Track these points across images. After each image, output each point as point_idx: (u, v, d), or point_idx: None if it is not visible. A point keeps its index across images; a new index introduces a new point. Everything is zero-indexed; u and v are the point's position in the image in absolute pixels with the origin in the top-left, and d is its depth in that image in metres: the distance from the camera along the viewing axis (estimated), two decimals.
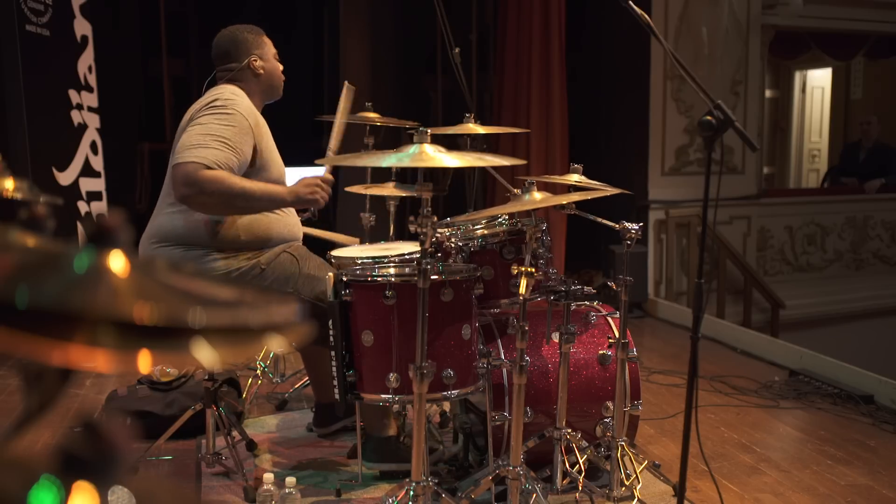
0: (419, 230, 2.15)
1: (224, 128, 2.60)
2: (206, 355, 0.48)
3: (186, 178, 2.51)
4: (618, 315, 2.69)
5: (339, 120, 2.95)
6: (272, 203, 2.69)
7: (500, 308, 2.68)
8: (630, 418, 2.72)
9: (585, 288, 2.54)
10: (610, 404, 2.68)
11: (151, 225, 2.78)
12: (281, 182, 2.80)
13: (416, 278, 2.16)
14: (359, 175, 4.03)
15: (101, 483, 0.43)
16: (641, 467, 2.61)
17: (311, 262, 2.79)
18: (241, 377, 3.52)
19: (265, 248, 2.75)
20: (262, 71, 2.87)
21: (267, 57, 2.90)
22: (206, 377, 2.74)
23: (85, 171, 4.59)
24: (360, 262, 2.78)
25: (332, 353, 2.45)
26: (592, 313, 2.81)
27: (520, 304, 2.29)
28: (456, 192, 3.93)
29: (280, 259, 2.75)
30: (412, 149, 2.14)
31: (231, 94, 2.72)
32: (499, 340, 2.67)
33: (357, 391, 2.45)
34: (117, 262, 0.52)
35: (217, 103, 2.66)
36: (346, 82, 3.07)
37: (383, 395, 2.42)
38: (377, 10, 6.06)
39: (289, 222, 2.85)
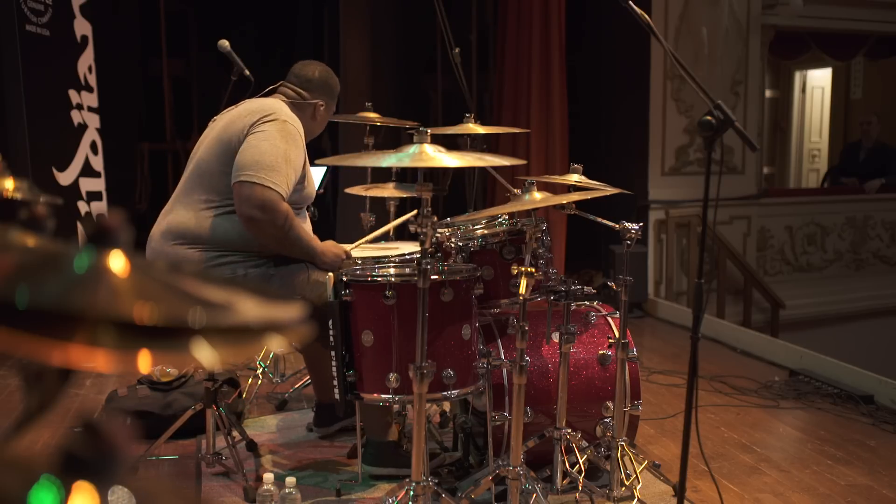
0: (419, 230, 2.15)
1: (290, 148, 2.66)
2: (206, 355, 0.48)
3: (265, 204, 2.57)
4: (618, 315, 2.69)
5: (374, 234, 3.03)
6: (306, 256, 2.75)
7: (500, 308, 2.68)
8: (630, 418, 2.72)
9: (585, 288, 2.54)
10: (610, 404, 2.68)
11: (168, 220, 2.76)
12: (310, 197, 2.87)
13: (416, 278, 2.16)
14: (359, 175, 4.03)
15: (101, 483, 0.43)
16: (641, 467, 2.61)
17: (319, 268, 2.80)
18: (241, 377, 3.52)
19: (278, 253, 2.76)
20: (317, 118, 2.96)
21: (328, 111, 2.99)
22: (206, 377, 2.74)
23: (85, 171, 4.59)
24: (360, 262, 2.78)
25: (333, 354, 2.45)
26: (592, 313, 2.81)
27: (520, 304, 2.29)
28: (456, 192, 3.93)
29: (290, 265, 2.77)
30: (412, 149, 2.14)
31: (290, 112, 2.78)
32: (499, 340, 2.67)
33: (357, 391, 2.45)
34: (117, 262, 0.52)
35: (279, 117, 2.70)
36: None
37: (383, 395, 2.42)
38: (377, 10, 6.07)
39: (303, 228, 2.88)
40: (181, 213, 2.74)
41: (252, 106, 2.77)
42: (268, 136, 2.64)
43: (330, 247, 2.80)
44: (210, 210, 2.71)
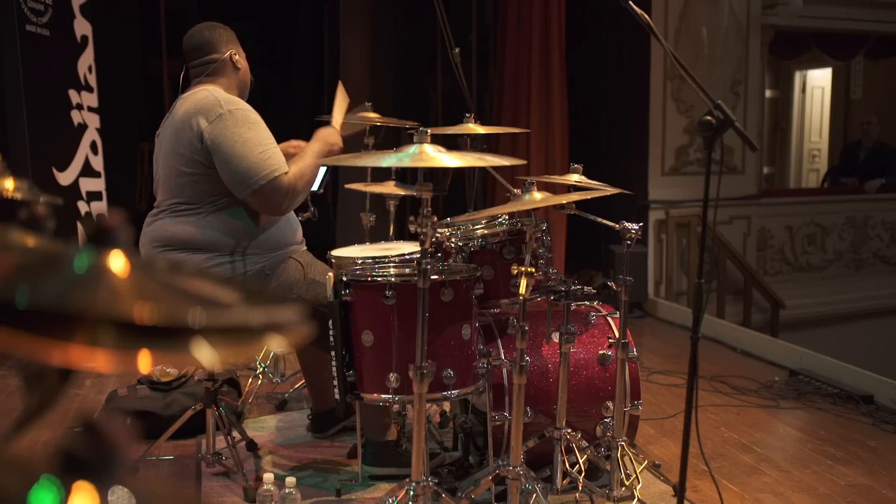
0: (419, 230, 2.15)
1: (254, 131, 2.62)
2: (206, 355, 0.48)
3: (282, 191, 2.60)
4: (618, 315, 2.69)
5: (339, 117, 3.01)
6: (323, 159, 2.79)
7: (500, 308, 2.68)
8: (630, 418, 2.72)
9: (585, 288, 2.54)
10: (610, 404, 2.68)
11: (153, 229, 2.74)
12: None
13: (416, 278, 2.16)
14: (359, 175, 4.03)
15: (101, 483, 0.43)
16: (641, 467, 2.61)
17: (316, 268, 2.81)
18: (241, 377, 3.52)
19: (273, 252, 2.76)
20: (240, 66, 2.85)
21: (242, 54, 2.89)
22: (206, 377, 2.74)
23: (85, 171, 4.59)
24: (360, 262, 2.78)
25: (332, 354, 2.45)
26: (592, 313, 2.81)
27: (520, 304, 2.29)
28: (456, 192, 3.93)
29: (286, 265, 2.77)
30: (412, 149, 2.14)
31: (227, 97, 2.69)
32: (499, 340, 2.67)
33: (357, 391, 2.45)
34: (117, 262, 0.52)
35: (222, 109, 2.62)
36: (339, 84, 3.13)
37: (383, 395, 2.42)
38: (377, 10, 6.07)
39: (293, 226, 2.88)
40: (162, 221, 2.72)
41: (188, 108, 2.66)
42: (234, 138, 2.57)
43: (325, 136, 2.83)
44: (190, 216, 2.68)
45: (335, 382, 2.46)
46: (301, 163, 2.69)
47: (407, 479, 2.27)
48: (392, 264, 2.72)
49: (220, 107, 2.62)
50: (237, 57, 2.84)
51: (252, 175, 2.56)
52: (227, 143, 2.58)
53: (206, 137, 2.60)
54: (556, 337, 2.58)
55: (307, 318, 0.55)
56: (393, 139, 3.32)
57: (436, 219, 2.18)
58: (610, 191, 2.59)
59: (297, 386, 3.61)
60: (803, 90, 10.12)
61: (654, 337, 5.13)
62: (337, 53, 6.04)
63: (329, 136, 2.84)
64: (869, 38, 7.56)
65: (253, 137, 2.60)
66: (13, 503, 0.41)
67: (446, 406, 3.30)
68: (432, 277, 2.23)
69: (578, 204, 2.57)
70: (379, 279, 2.42)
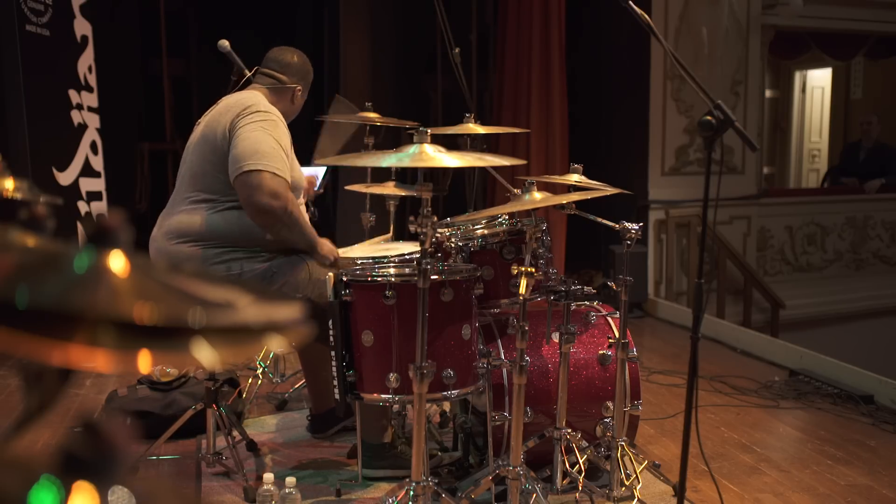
0: (419, 230, 2.15)
1: (279, 135, 2.71)
2: (206, 355, 0.48)
3: (276, 191, 2.60)
4: (618, 315, 2.69)
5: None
6: (307, 245, 2.80)
7: (500, 308, 2.68)
8: (630, 418, 2.72)
9: (585, 288, 2.54)
10: (610, 404, 2.68)
11: (169, 221, 2.79)
12: (300, 184, 2.88)
13: (416, 278, 2.16)
14: (359, 175, 4.03)
15: (101, 483, 0.43)
16: (641, 467, 2.61)
17: (320, 268, 2.82)
18: (241, 377, 3.52)
19: (281, 254, 2.79)
20: (295, 103, 3.01)
21: (304, 96, 3.04)
22: (207, 377, 2.74)
23: (85, 171, 4.59)
24: (360, 262, 2.78)
25: (333, 353, 2.46)
26: (592, 313, 2.81)
27: (520, 304, 2.29)
28: (456, 192, 3.93)
29: (293, 266, 2.78)
30: (412, 149, 2.14)
31: (268, 104, 2.81)
32: (499, 340, 2.67)
33: (357, 391, 2.45)
34: (117, 262, 0.52)
35: (259, 108, 2.74)
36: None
37: (383, 395, 2.42)
38: (377, 11, 6.06)
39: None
40: (180, 214, 2.77)
41: (230, 101, 2.81)
42: (256, 127, 2.68)
43: (326, 241, 2.86)
44: (207, 209, 2.74)
45: (335, 382, 2.47)
46: (305, 217, 2.78)
47: (407, 479, 2.27)
48: (392, 264, 2.72)
49: (258, 106, 2.75)
50: (299, 93, 3.00)
51: (245, 158, 2.62)
52: (248, 131, 2.67)
53: (233, 126, 2.70)
54: (556, 337, 2.58)
55: (308, 317, 0.55)
56: (393, 139, 3.33)
57: (436, 219, 2.18)
58: (610, 191, 2.59)
59: (297, 386, 3.61)
60: (803, 90, 10.12)
61: (654, 337, 5.13)
62: (337, 53, 6.03)
63: (330, 246, 2.86)
64: (869, 38, 7.56)
65: (274, 136, 2.68)
66: (13, 503, 0.41)
67: (446, 406, 3.30)
68: (432, 277, 2.23)
69: (578, 204, 2.57)
70: (379, 279, 2.42)
